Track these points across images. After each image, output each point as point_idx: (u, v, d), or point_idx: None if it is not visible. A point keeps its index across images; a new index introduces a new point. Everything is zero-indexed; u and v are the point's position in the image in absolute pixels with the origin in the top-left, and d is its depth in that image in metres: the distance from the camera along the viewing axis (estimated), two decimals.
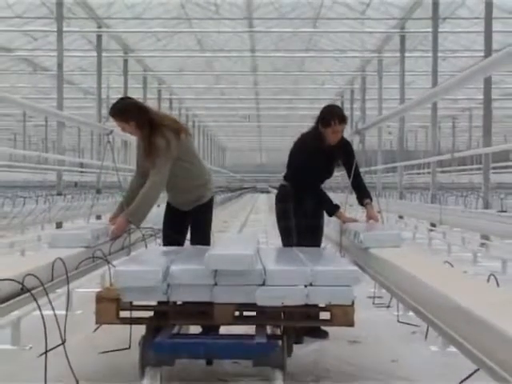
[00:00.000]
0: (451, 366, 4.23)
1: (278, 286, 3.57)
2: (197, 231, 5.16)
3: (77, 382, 3.71)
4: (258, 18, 22.45)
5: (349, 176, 5.51)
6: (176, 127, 4.96)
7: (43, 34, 22.43)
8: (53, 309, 3.46)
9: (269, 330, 4.01)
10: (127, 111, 4.91)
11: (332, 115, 5.25)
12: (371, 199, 5.51)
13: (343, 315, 3.66)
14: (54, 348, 3.53)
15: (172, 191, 5.15)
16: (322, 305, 3.71)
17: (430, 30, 17.89)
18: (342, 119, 5.25)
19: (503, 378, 2.28)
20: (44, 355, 3.37)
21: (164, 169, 4.83)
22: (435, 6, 17.51)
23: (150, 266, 3.70)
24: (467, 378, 3.54)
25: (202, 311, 3.70)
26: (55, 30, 17.78)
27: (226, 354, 3.71)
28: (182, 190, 5.11)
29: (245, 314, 3.85)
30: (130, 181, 5.32)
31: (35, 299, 3.34)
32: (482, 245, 12.01)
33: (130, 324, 3.88)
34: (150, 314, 3.94)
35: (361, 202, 5.52)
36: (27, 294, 3.32)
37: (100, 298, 3.76)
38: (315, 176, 5.41)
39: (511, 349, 2.21)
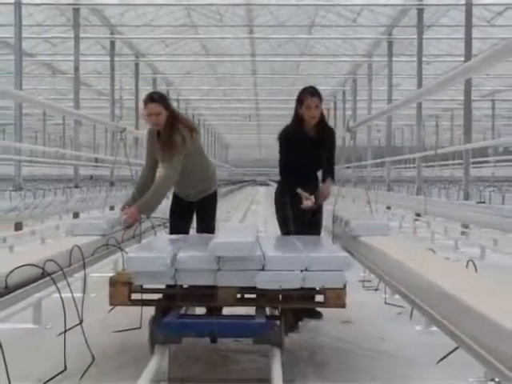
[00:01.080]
0: (433, 344, 4.25)
1: (276, 270, 3.57)
2: (202, 220, 5.15)
3: (93, 357, 3.73)
4: (257, 26, 22.36)
5: (325, 159, 5.18)
6: (189, 126, 4.98)
7: (61, 40, 22.39)
8: (71, 291, 3.47)
9: (268, 311, 4.02)
10: (167, 99, 4.99)
11: (303, 92, 5.06)
12: (333, 180, 5.25)
13: (336, 297, 3.67)
14: (73, 327, 3.55)
15: (180, 184, 5.12)
16: (316, 288, 3.72)
17: (415, 36, 17.86)
18: (313, 93, 5.01)
19: (480, 354, 2.29)
20: (63, 333, 3.39)
21: (177, 164, 4.82)
22: (420, 14, 17.48)
23: (160, 252, 3.70)
24: (448, 354, 3.55)
25: (206, 294, 3.71)
26: (72, 36, 17.77)
27: (229, 332, 3.72)
28: (190, 183, 5.10)
29: (246, 296, 3.85)
30: (141, 172, 5.31)
31: (55, 283, 3.35)
32: (463, 233, 12.03)
33: (141, 305, 3.89)
34: (159, 296, 3.95)
35: (323, 180, 5.24)
36: (47, 278, 3.33)
37: (113, 282, 3.77)
38: (303, 163, 5.13)
39: (488, 328, 2.22)
